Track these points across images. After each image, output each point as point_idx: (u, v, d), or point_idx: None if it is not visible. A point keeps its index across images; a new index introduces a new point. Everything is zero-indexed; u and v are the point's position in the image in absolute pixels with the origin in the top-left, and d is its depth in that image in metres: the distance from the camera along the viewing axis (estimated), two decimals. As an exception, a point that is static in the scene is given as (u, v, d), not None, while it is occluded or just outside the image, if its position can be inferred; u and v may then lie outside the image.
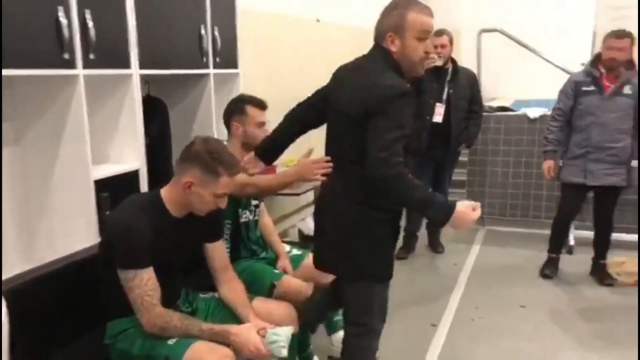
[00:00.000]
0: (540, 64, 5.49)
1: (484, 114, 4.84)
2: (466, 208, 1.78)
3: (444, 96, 3.86)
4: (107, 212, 2.15)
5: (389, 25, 1.88)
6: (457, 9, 6.81)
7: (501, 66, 6.28)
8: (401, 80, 1.84)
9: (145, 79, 2.74)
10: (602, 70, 3.43)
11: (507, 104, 5.34)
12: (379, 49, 1.93)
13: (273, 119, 4.20)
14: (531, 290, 3.64)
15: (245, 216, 2.60)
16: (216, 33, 2.90)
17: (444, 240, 4.49)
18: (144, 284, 1.80)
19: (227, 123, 2.57)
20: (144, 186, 2.47)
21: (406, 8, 1.86)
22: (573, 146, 3.55)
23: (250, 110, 2.54)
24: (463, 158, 4.89)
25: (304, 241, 3.50)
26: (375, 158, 1.75)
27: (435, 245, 4.41)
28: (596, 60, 3.50)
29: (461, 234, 4.83)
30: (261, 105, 2.59)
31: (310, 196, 4.44)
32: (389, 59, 1.89)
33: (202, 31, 2.81)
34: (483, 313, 3.33)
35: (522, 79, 5.77)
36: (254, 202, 2.66)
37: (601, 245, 3.76)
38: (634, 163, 3.51)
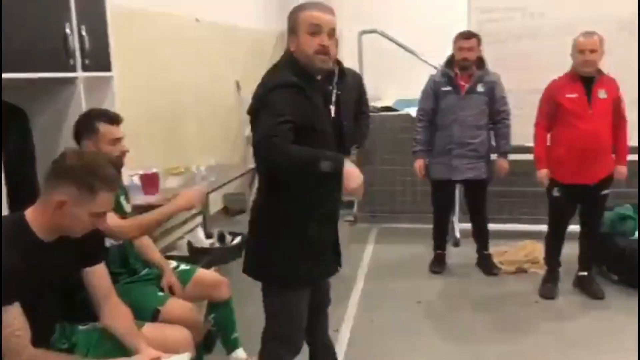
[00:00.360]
0: (419, 64, 5.69)
1: (370, 114, 4.93)
2: (355, 167, 1.77)
3: (333, 98, 3.83)
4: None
5: (288, 28, 1.95)
6: (338, 11, 6.89)
7: (382, 67, 6.44)
8: (285, 75, 1.87)
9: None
10: (457, 70, 3.61)
11: (389, 104, 5.49)
12: (284, 53, 1.99)
13: (151, 123, 3.98)
14: (426, 286, 3.75)
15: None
16: (83, 32, 2.60)
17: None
18: (10, 322, 1.55)
19: (79, 144, 2.30)
20: (3, 209, 2.13)
21: (299, 9, 1.93)
22: (438, 144, 3.73)
23: (102, 127, 2.28)
24: (351, 157, 4.94)
25: (194, 255, 3.27)
26: (256, 145, 1.81)
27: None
28: (450, 61, 3.69)
29: (355, 234, 4.87)
30: (114, 120, 2.34)
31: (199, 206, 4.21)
32: (290, 59, 1.93)
33: (67, 30, 2.50)
34: (382, 313, 3.35)
35: (402, 78, 5.94)
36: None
37: (480, 236, 3.96)
38: (493, 156, 3.74)
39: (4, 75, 2.18)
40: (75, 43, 2.55)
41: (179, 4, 4.38)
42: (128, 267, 2.40)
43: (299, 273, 1.99)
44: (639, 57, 3.76)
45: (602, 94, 3.17)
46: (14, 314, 1.55)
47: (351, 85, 3.93)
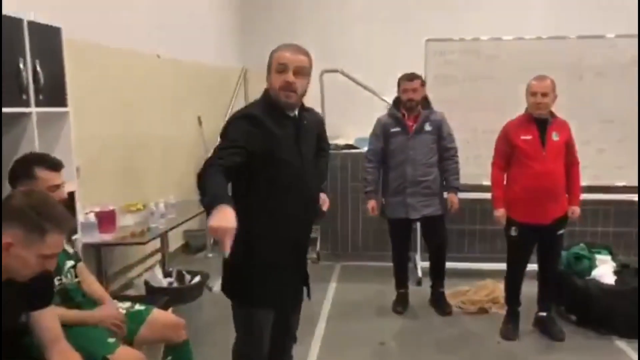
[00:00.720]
0: (380, 103, 5.80)
1: (332, 152, 4.95)
2: (231, 215, 1.66)
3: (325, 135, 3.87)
4: None
5: (267, 67, 2.09)
6: (300, 50, 7.01)
7: (343, 105, 6.54)
8: (249, 108, 2.11)
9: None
10: (404, 111, 3.71)
11: (350, 142, 5.55)
12: (264, 89, 2.13)
13: (109, 158, 3.89)
14: (388, 326, 3.70)
15: (62, 283, 2.29)
16: (38, 67, 2.54)
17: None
18: None
19: (14, 188, 2.19)
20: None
21: (275, 50, 2.08)
22: (391, 183, 3.78)
23: (41, 173, 2.19)
24: (314, 195, 4.94)
25: (151, 294, 3.16)
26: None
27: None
28: (397, 102, 3.79)
29: (318, 273, 4.81)
30: (54, 166, 2.26)
31: (156, 244, 4.10)
32: (264, 95, 2.11)
33: (21, 64, 2.43)
34: (345, 354, 3.29)
35: (363, 117, 6.02)
36: (69, 264, 2.35)
37: (437, 274, 3.97)
38: (445, 194, 3.82)
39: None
40: (29, 78, 2.49)
41: (141, 40, 4.37)
42: (72, 305, 2.29)
43: (257, 292, 2.10)
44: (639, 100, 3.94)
45: (555, 136, 3.27)
46: None
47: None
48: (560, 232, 3.37)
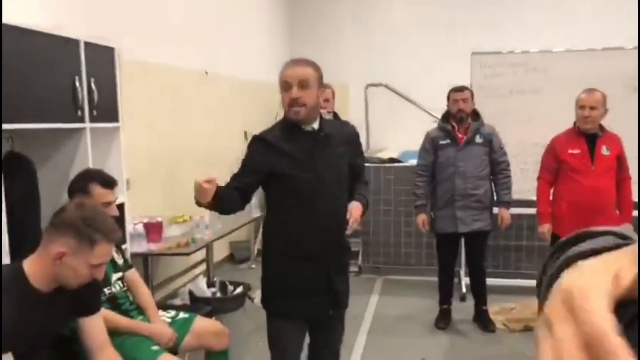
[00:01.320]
0: (425, 116, 5.78)
1: (374, 165, 4.97)
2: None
3: (362, 153, 3.90)
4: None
5: None
6: (345, 64, 7.08)
7: (388, 118, 6.55)
8: (265, 130, 2.22)
9: (9, 134, 2.46)
10: (454, 124, 3.66)
11: (395, 155, 5.53)
12: None
13: (157, 172, 4.03)
14: (429, 342, 3.65)
15: (111, 292, 2.39)
16: (92, 85, 2.68)
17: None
18: None
19: (70, 198, 2.31)
20: (5, 258, 2.15)
21: (280, 71, 2.14)
22: (440, 197, 3.72)
23: (95, 189, 2.31)
24: (357, 208, 4.94)
25: (194, 303, 3.25)
26: None
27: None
28: (447, 115, 3.75)
29: (359, 286, 4.81)
30: (109, 184, 2.37)
31: (200, 255, 4.21)
32: (284, 115, 2.18)
33: (77, 83, 2.58)
34: (385, 368, 3.27)
35: (408, 130, 6.02)
36: (116, 276, 2.44)
37: (478, 291, 3.89)
38: (495, 209, 3.73)
39: (14, 126, 2.26)
40: (84, 95, 2.64)
41: (189, 58, 4.53)
42: (120, 312, 2.39)
43: (279, 305, 2.19)
44: (638, 113, 3.79)
45: (605, 150, 3.17)
46: None
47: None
48: None
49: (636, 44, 4.23)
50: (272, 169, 2.09)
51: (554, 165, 3.29)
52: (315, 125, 2.13)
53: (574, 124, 3.26)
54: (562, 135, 3.32)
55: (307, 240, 2.11)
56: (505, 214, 3.72)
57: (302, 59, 2.15)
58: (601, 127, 3.21)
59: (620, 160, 3.23)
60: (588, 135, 3.18)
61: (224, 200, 2.04)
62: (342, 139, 2.21)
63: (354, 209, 2.13)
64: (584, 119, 3.14)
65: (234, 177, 2.15)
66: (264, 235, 2.24)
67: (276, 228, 2.17)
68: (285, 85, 2.08)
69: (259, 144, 2.15)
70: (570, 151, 3.21)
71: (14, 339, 1.56)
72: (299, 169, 2.08)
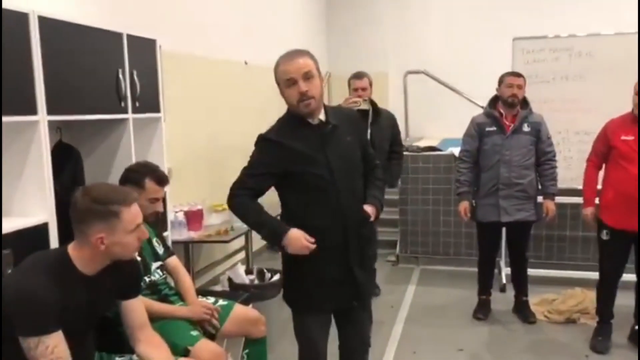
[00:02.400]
0: (465, 103, 5.69)
1: (412, 154, 4.93)
2: (299, 233, 2.02)
3: (367, 137, 3.88)
4: (9, 271, 1.94)
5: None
6: (384, 52, 7.02)
7: (428, 106, 6.47)
8: (273, 128, 2.15)
9: (57, 125, 2.57)
10: (501, 110, 3.57)
11: (434, 144, 5.47)
12: None
13: (197, 161, 4.12)
14: (467, 332, 3.62)
15: (151, 280, 2.47)
16: (135, 77, 2.77)
17: (380, 281, 4.43)
18: (49, 351, 1.62)
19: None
20: (54, 241, 2.26)
21: (276, 66, 2.07)
22: (483, 185, 3.63)
23: (149, 184, 2.41)
24: (393, 197, 4.92)
25: (234, 290, 3.32)
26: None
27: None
28: (494, 101, 3.65)
29: (396, 275, 4.81)
30: (161, 181, 2.46)
31: (237, 242, 4.28)
32: (287, 112, 2.14)
33: (120, 75, 2.67)
34: (421, 359, 3.25)
35: (448, 118, 5.95)
36: (156, 265, 2.52)
37: (519, 281, 3.82)
38: (539, 198, 3.64)
39: (61, 118, 2.36)
40: (127, 87, 2.72)
41: (228, 49, 4.59)
42: (160, 298, 2.47)
43: (301, 299, 2.20)
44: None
45: None
46: (55, 342, 1.63)
47: (385, 125, 3.98)
48: None
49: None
50: (284, 169, 2.05)
51: (604, 150, 3.19)
52: (322, 117, 2.10)
53: (632, 110, 3.11)
54: (617, 120, 3.19)
55: (327, 233, 2.07)
56: (550, 206, 3.63)
57: (296, 50, 2.06)
58: None
59: None
60: None
61: None
62: (349, 127, 2.16)
63: (369, 210, 2.19)
64: (636, 105, 3.02)
65: (248, 183, 2.10)
66: None
67: (295, 223, 2.09)
68: (289, 83, 2.01)
69: (267, 145, 2.10)
70: (623, 137, 3.08)
71: (62, 319, 1.64)
72: (311, 165, 2.04)
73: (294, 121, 2.09)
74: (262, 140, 2.12)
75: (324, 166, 2.05)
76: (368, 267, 2.27)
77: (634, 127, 3.07)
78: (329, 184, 2.05)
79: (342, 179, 2.08)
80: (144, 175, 2.42)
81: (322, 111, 2.11)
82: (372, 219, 2.19)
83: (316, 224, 2.07)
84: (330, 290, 2.15)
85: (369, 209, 2.18)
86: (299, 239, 2.01)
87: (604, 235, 3.20)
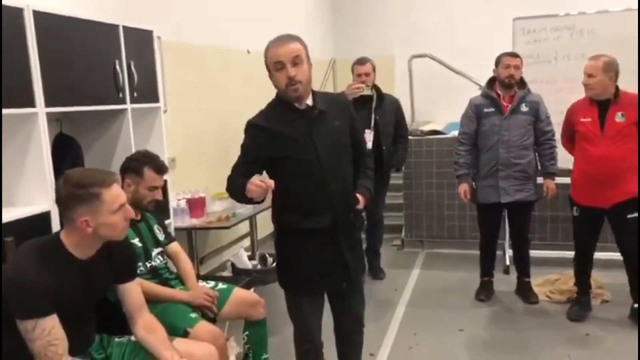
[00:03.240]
0: (470, 86, 5.65)
1: (416, 138, 4.94)
2: (254, 182, 1.99)
3: (372, 123, 3.91)
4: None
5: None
6: (390, 36, 6.99)
7: (433, 90, 6.45)
8: (257, 115, 2.19)
9: (57, 117, 2.64)
10: (499, 91, 3.58)
11: (440, 127, 5.46)
12: None
13: (199, 149, 4.18)
14: (469, 313, 3.65)
15: (152, 265, 2.54)
16: (132, 68, 2.82)
17: (385, 265, 4.48)
18: (46, 333, 1.70)
19: (122, 176, 2.46)
20: (55, 229, 2.34)
21: (265, 50, 2.09)
22: (483, 166, 3.64)
23: (148, 173, 2.48)
24: (398, 181, 4.95)
25: (236, 275, 3.39)
26: None
27: (375, 272, 4.38)
28: (492, 82, 3.65)
29: (402, 259, 4.85)
30: (160, 170, 2.53)
31: (243, 228, 4.35)
32: (276, 96, 2.16)
33: (117, 66, 2.72)
34: (421, 339, 3.30)
35: (454, 101, 5.91)
36: (156, 250, 2.58)
37: (521, 262, 3.84)
38: (539, 179, 3.66)
39: (61, 109, 2.43)
40: (124, 78, 2.78)
41: (231, 37, 4.62)
42: (161, 282, 2.54)
43: (292, 281, 2.25)
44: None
45: (619, 117, 3.12)
46: (51, 325, 1.70)
47: (389, 109, 4.00)
48: (631, 215, 3.15)
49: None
50: (272, 154, 2.09)
51: (570, 132, 3.36)
52: (309, 102, 2.12)
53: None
54: (577, 103, 3.32)
55: (316, 217, 2.11)
56: (551, 185, 3.64)
57: (286, 35, 2.08)
58: (616, 94, 3.13)
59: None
60: (601, 102, 3.14)
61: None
62: (337, 112, 2.18)
63: (360, 199, 2.21)
64: (585, 87, 3.16)
65: (238, 167, 2.17)
66: (274, 216, 2.25)
67: (285, 208, 2.17)
68: (277, 66, 2.03)
69: (254, 131, 2.13)
70: (582, 119, 3.21)
71: (56, 303, 1.71)
72: (299, 151, 2.07)
73: (282, 106, 2.12)
74: (250, 126, 2.16)
75: (312, 151, 2.08)
76: (357, 250, 2.31)
77: (592, 108, 3.18)
78: (316, 168, 2.08)
79: (329, 163, 2.10)
80: (143, 164, 2.49)
81: (310, 96, 2.14)
82: (360, 206, 2.22)
83: (305, 208, 2.12)
84: (320, 273, 2.19)
85: (358, 197, 2.21)
86: (254, 188, 1.97)
87: (574, 212, 3.37)
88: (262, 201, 2.09)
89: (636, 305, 3.31)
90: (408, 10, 6.94)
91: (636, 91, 3.23)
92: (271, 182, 1.98)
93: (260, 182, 1.96)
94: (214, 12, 4.42)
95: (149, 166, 2.49)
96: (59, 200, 1.80)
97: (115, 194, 1.81)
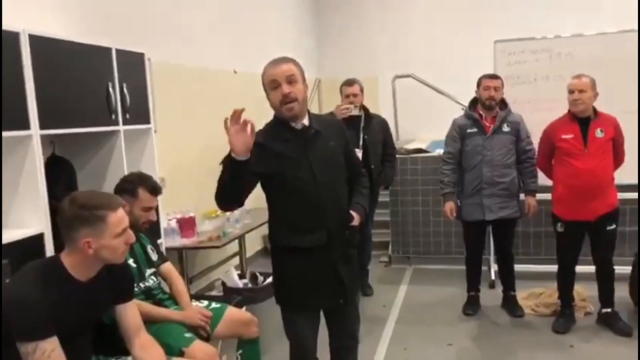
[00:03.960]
0: (452, 105, 5.78)
1: (401, 156, 5.03)
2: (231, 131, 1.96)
3: (361, 142, 3.99)
4: (7, 280, 2.02)
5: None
6: (374, 57, 7.14)
7: (416, 109, 6.57)
8: (256, 133, 2.06)
9: (50, 139, 2.66)
10: (481, 112, 3.70)
11: (423, 146, 5.57)
12: None
13: (189, 169, 4.20)
14: (456, 328, 3.71)
15: (146, 285, 2.55)
16: (125, 89, 2.86)
17: (373, 281, 4.52)
18: (46, 356, 1.70)
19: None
20: (50, 250, 2.35)
21: (263, 72, 2.15)
22: (467, 185, 3.75)
23: (142, 193, 2.52)
24: (385, 199, 5.02)
25: (227, 294, 3.41)
26: None
27: (364, 288, 4.41)
28: (474, 103, 3.78)
29: (389, 275, 4.90)
30: (155, 191, 2.57)
31: (232, 247, 4.37)
32: (274, 116, 2.21)
33: (110, 88, 2.76)
34: (411, 354, 3.35)
35: (436, 120, 6.04)
36: (150, 271, 2.60)
37: (506, 277, 3.93)
38: (522, 196, 3.78)
39: (54, 131, 2.45)
40: (117, 100, 2.81)
41: (218, 58, 4.69)
42: (154, 302, 2.55)
43: (289, 298, 2.27)
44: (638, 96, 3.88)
45: (599, 133, 3.29)
46: (51, 347, 1.71)
47: (377, 129, 4.08)
48: (610, 227, 3.34)
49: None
50: (266, 170, 2.11)
51: (549, 151, 3.47)
52: (306, 122, 2.17)
53: (568, 110, 3.38)
54: (555, 123, 3.46)
55: (310, 234, 2.15)
56: (532, 202, 3.75)
57: (282, 57, 2.15)
58: (595, 111, 3.32)
59: (616, 142, 3.34)
60: (582, 119, 3.31)
61: (243, 180, 2.04)
62: (332, 133, 2.23)
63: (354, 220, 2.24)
64: (575, 102, 3.28)
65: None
66: (270, 232, 2.29)
67: (281, 225, 2.21)
68: (273, 84, 2.09)
69: (256, 149, 2.08)
70: (563, 136, 3.34)
71: (56, 323, 1.72)
72: (294, 168, 2.12)
73: (279, 125, 2.18)
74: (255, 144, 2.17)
75: (307, 169, 2.12)
76: (352, 267, 2.34)
77: (572, 125, 3.33)
78: (311, 186, 2.12)
79: (324, 181, 2.15)
80: (138, 185, 2.52)
81: (307, 117, 2.19)
82: (355, 223, 2.25)
83: (300, 225, 2.16)
84: (316, 290, 2.22)
85: (353, 214, 2.26)
86: (232, 140, 1.95)
87: (559, 228, 3.48)
88: (249, 159, 1.97)
89: (604, 310, 3.51)
90: (391, 31, 7.11)
91: (606, 111, 3.39)
92: (251, 120, 1.93)
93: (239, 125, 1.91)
94: (202, 34, 4.49)
95: (143, 187, 2.53)
96: (62, 220, 1.82)
97: (120, 218, 1.84)
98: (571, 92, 3.28)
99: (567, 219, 3.40)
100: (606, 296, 3.48)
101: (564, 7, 6.26)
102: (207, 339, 2.57)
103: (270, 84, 2.10)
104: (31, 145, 2.30)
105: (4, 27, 2.16)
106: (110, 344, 2.15)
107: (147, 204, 2.53)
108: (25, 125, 2.27)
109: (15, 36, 2.22)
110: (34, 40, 2.28)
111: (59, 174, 2.69)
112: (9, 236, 2.20)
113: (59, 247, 2.32)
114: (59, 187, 2.62)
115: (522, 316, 3.80)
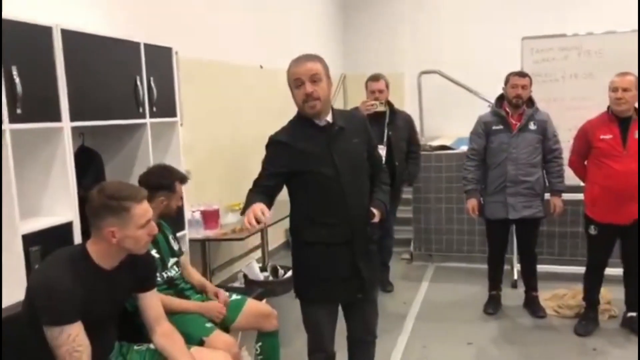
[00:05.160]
0: (478, 102, 5.72)
1: (425, 153, 5.01)
2: (252, 209, 1.99)
3: (385, 138, 3.99)
4: (36, 266, 2.10)
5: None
6: (400, 53, 7.11)
7: (442, 106, 6.53)
8: (281, 130, 2.25)
9: (80, 131, 2.74)
10: (508, 109, 3.64)
11: (448, 142, 5.53)
12: None
13: (214, 162, 4.27)
14: (477, 327, 3.69)
15: (168, 275, 2.60)
16: (152, 83, 2.92)
17: (394, 278, 4.53)
18: (71, 339, 1.76)
19: (152, 193, 2.45)
20: (77, 238, 2.43)
21: (288, 69, 2.17)
22: (491, 183, 3.70)
23: (178, 187, 2.64)
24: (407, 196, 5.01)
25: (248, 287, 3.46)
26: None
27: (384, 285, 4.42)
28: (500, 100, 3.72)
29: (410, 272, 4.89)
30: (185, 181, 2.70)
31: (254, 240, 4.42)
32: (297, 113, 2.24)
33: (138, 82, 2.82)
34: (430, 352, 3.34)
35: (462, 117, 5.99)
36: (172, 261, 2.65)
37: (529, 277, 3.88)
38: (546, 195, 3.71)
39: (83, 123, 2.52)
40: (144, 93, 2.88)
41: (244, 53, 4.73)
42: (177, 292, 2.62)
43: (311, 292, 2.29)
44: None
45: (637, 134, 3.16)
46: (75, 332, 1.77)
47: (402, 125, 4.07)
48: None
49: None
50: (292, 168, 2.16)
51: (584, 150, 3.37)
52: (329, 118, 2.19)
53: (608, 108, 3.27)
54: (594, 121, 3.34)
55: (333, 229, 2.18)
56: (557, 202, 3.69)
57: (308, 54, 2.17)
58: (636, 111, 3.20)
59: None
60: (621, 119, 3.19)
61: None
62: (356, 129, 2.26)
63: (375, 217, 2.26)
64: (617, 101, 3.16)
65: (259, 182, 2.22)
66: (292, 226, 2.32)
67: (304, 220, 2.24)
68: (297, 83, 2.12)
69: (276, 146, 2.21)
70: (602, 137, 3.24)
71: (82, 311, 1.78)
72: (318, 165, 2.14)
73: (302, 122, 2.20)
74: (271, 142, 2.24)
75: (330, 165, 2.15)
76: (372, 262, 2.36)
77: (611, 125, 3.21)
78: (335, 182, 2.15)
79: (348, 178, 2.17)
80: (175, 180, 2.62)
81: (330, 113, 2.21)
82: (376, 220, 2.28)
83: (323, 221, 2.19)
84: (336, 284, 2.25)
85: (374, 211, 2.28)
86: (250, 213, 1.98)
87: (592, 230, 3.38)
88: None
89: (630, 314, 3.42)
90: (418, 26, 7.06)
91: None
92: (267, 219, 2.00)
93: (260, 214, 1.96)
94: (228, 29, 4.54)
95: (179, 181, 2.64)
96: (90, 209, 1.88)
97: (145, 209, 1.90)
98: (614, 90, 3.16)
99: (601, 221, 3.29)
100: (632, 300, 3.41)
101: (593, 4, 6.13)
102: (226, 329, 2.62)
103: (294, 82, 2.13)
104: (62, 136, 2.38)
105: (38, 22, 2.24)
106: (132, 331, 2.21)
107: (181, 194, 2.67)
108: (57, 118, 2.35)
109: (48, 31, 2.29)
110: (66, 35, 2.36)
111: (88, 165, 2.77)
112: (41, 224, 2.30)
113: (86, 235, 2.40)
114: (87, 178, 2.71)
115: (544, 317, 3.75)
